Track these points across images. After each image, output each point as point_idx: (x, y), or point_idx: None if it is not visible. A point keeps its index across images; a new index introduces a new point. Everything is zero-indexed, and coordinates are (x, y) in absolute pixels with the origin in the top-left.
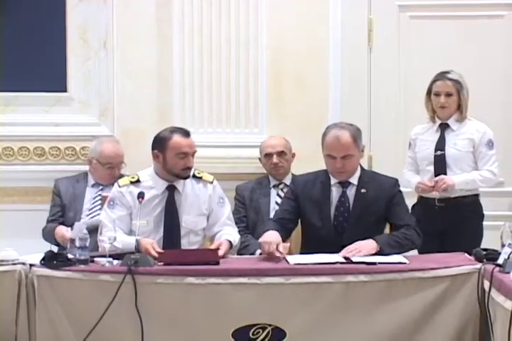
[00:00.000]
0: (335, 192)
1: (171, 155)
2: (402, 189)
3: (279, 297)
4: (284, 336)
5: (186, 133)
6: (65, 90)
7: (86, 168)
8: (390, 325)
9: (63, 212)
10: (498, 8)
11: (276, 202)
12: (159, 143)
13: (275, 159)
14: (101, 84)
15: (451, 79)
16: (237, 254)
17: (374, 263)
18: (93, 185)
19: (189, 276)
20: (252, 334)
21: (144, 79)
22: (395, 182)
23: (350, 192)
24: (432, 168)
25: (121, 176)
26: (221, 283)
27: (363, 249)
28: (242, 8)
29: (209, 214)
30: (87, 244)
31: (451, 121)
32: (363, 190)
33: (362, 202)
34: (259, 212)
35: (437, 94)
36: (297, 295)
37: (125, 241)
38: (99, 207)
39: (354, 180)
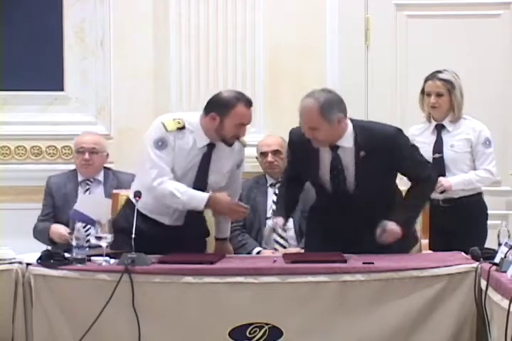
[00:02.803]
0: (326, 154)
1: (231, 123)
2: (403, 188)
3: (275, 296)
4: (280, 335)
5: (250, 103)
6: (61, 89)
7: None
8: (386, 324)
9: (55, 213)
10: (495, 7)
11: (274, 201)
12: (221, 107)
13: (270, 158)
14: (98, 83)
15: (441, 79)
16: (234, 253)
17: (371, 263)
18: (81, 183)
19: (186, 275)
20: (249, 333)
21: (141, 78)
22: (394, 135)
23: (345, 155)
24: None
25: (107, 169)
26: (218, 283)
27: (391, 238)
28: (239, 7)
29: (229, 177)
30: (84, 243)
31: (446, 122)
32: (362, 154)
33: (364, 166)
34: (256, 211)
35: (428, 94)
36: (294, 295)
37: (194, 196)
38: None
39: (345, 143)
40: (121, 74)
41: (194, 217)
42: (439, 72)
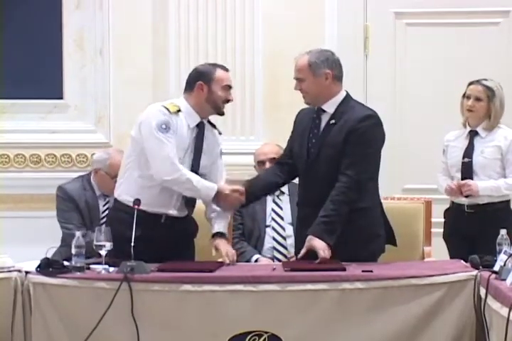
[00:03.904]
0: (314, 119)
1: (217, 87)
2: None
3: (275, 304)
4: None
5: (226, 68)
6: (61, 97)
7: (81, 174)
8: (386, 332)
9: (83, 219)
10: (494, 15)
11: (273, 209)
12: (204, 75)
13: (267, 166)
14: (97, 91)
15: (483, 85)
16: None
17: (370, 271)
18: (99, 197)
19: (185, 283)
20: None
21: (140, 86)
22: (363, 117)
23: (323, 121)
24: (459, 175)
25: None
26: (217, 291)
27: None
28: (238, 16)
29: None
30: (83, 252)
31: (479, 129)
32: (332, 121)
33: (327, 134)
34: (255, 220)
35: (468, 97)
36: (293, 303)
37: (207, 186)
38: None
39: (329, 108)
40: (121, 82)
41: (191, 209)
42: (485, 79)
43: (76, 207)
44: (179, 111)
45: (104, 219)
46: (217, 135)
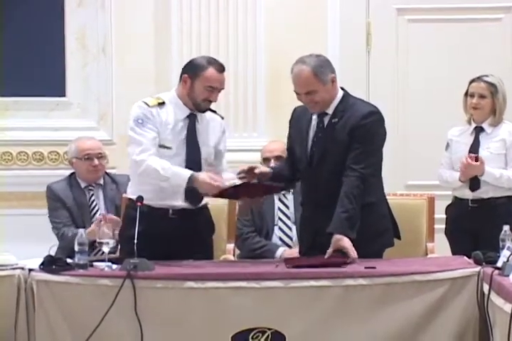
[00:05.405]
0: (315, 121)
1: (200, 86)
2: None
3: (278, 301)
4: (283, 340)
5: (222, 68)
6: (63, 95)
7: None
8: (389, 329)
9: (72, 217)
10: (496, 11)
11: (279, 209)
12: (193, 69)
13: (272, 163)
14: (100, 89)
15: (486, 82)
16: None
17: (373, 267)
18: (85, 190)
19: (188, 280)
20: (252, 338)
21: (143, 84)
22: (367, 113)
23: (326, 122)
24: None
25: (108, 174)
26: (220, 287)
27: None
28: (240, 13)
29: (215, 152)
30: (86, 249)
31: (485, 125)
32: (334, 120)
33: (330, 132)
34: (263, 218)
35: (471, 95)
36: (296, 299)
37: (177, 173)
38: (97, 211)
39: (330, 109)
40: (123, 79)
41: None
42: (485, 75)
43: (64, 205)
44: (162, 103)
45: (96, 214)
46: (217, 120)
